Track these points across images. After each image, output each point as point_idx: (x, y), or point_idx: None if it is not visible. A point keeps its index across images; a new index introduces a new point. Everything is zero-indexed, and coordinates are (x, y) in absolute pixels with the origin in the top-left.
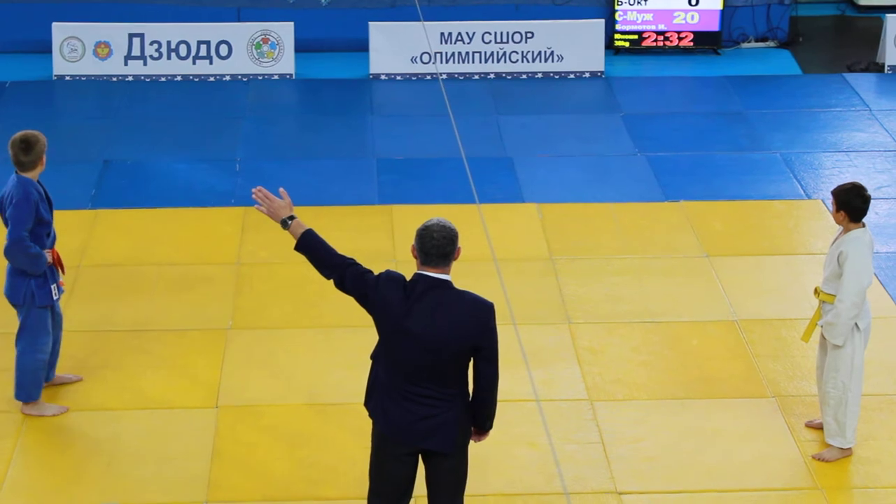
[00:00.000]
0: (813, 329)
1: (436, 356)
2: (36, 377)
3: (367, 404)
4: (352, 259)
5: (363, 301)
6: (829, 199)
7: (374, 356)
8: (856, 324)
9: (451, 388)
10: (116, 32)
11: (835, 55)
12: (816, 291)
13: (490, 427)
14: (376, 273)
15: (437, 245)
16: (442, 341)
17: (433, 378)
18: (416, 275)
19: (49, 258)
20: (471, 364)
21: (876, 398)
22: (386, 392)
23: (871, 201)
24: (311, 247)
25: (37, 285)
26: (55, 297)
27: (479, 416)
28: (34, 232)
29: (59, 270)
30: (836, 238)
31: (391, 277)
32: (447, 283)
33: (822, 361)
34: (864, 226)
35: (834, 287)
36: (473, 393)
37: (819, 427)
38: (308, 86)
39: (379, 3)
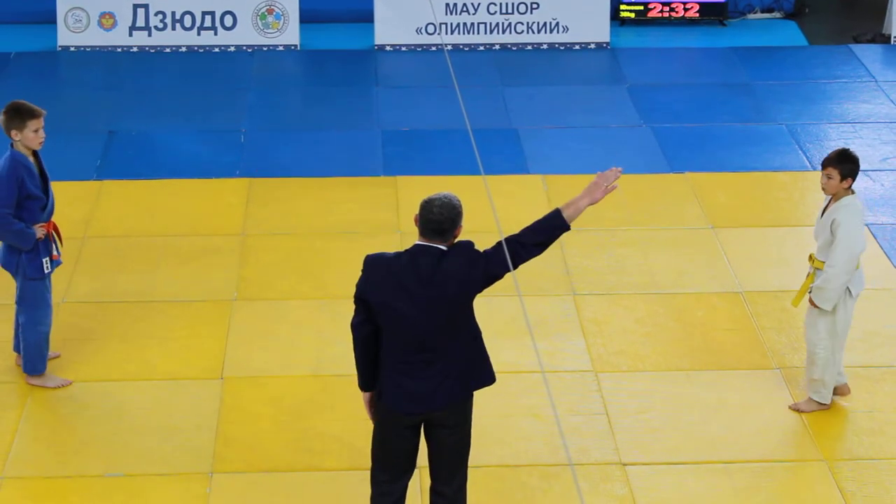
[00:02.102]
0: (804, 294)
1: (437, 318)
2: (39, 350)
3: (378, 401)
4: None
5: (369, 304)
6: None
7: (381, 350)
8: (848, 289)
9: (453, 343)
10: (121, 3)
11: (841, 26)
12: (811, 258)
13: None
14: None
15: (434, 219)
16: (441, 302)
17: (435, 342)
18: (412, 246)
19: (41, 232)
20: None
21: (879, 370)
22: (390, 374)
23: (879, 173)
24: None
25: (27, 258)
26: (47, 271)
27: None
28: (25, 206)
29: (57, 243)
30: (825, 206)
31: (373, 262)
32: (438, 251)
33: (811, 321)
34: (853, 192)
35: (827, 255)
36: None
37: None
38: (313, 57)
39: None
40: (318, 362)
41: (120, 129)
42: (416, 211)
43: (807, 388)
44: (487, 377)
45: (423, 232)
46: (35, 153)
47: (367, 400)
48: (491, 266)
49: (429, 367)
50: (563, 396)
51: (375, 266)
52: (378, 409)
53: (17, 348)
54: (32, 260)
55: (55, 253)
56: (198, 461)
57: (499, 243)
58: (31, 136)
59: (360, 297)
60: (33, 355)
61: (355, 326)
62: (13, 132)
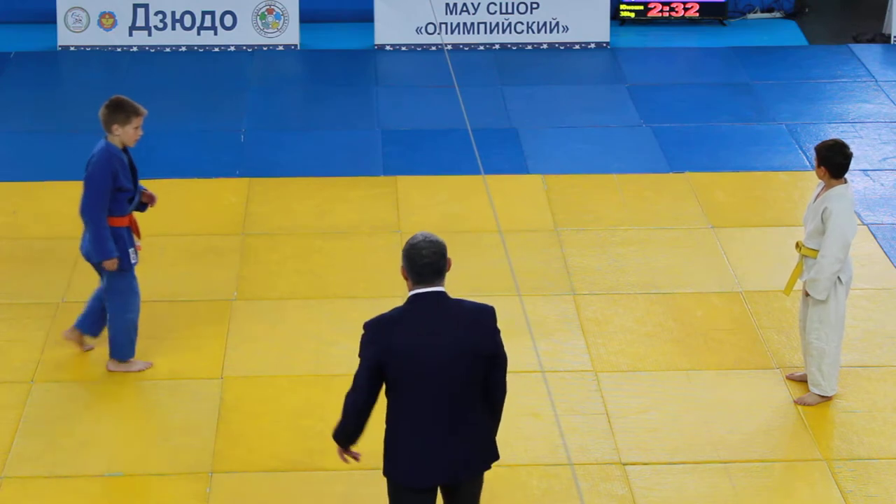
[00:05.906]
0: (794, 282)
1: (451, 374)
2: (128, 336)
3: (388, 472)
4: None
5: (384, 370)
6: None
7: (388, 417)
8: (838, 277)
9: (473, 411)
10: (121, 2)
11: (841, 26)
12: (798, 246)
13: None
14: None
15: (428, 263)
16: (454, 355)
17: (454, 404)
18: (411, 297)
19: (112, 266)
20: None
21: (879, 369)
22: (409, 444)
23: (879, 173)
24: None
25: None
26: (133, 261)
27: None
28: (115, 198)
29: (136, 235)
30: (817, 193)
31: (379, 322)
32: (443, 295)
33: (804, 314)
34: (846, 182)
35: (816, 242)
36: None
37: (800, 379)
38: (313, 56)
39: None
40: (318, 362)
41: None
42: (416, 213)
43: (808, 382)
44: (495, 453)
45: (419, 280)
46: (125, 148)
47: (342, 451)
48: (492, 359)
49: (450, 435)
50: (563, 396)
51: (382, 329)
52: (390, 485)
53: (82, 326)
54: (122, 250)
55: (138, 244)
56: (198, 461)
57: (504, 363)
58: (131, 133)
59: (373, 366)
60: (122, 342)
61: (357, 398)
62: (115, 126)
